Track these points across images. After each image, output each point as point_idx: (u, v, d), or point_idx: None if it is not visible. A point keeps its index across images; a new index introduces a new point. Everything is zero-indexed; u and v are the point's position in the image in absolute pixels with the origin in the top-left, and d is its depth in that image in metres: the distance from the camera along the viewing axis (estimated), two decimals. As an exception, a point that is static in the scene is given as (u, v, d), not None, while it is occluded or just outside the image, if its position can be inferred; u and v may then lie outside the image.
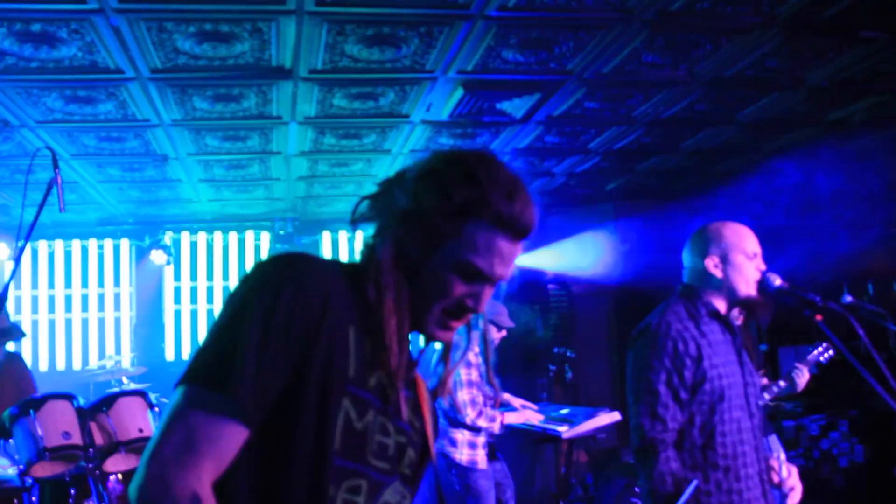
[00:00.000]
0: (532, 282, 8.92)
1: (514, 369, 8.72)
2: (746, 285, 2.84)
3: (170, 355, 8.45)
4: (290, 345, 1.30)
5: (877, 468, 7.15)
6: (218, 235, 8.55)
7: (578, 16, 3.81)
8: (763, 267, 2.92)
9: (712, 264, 2.85)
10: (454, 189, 1.41)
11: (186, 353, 8.43)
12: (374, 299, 1.40)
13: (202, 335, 8.51)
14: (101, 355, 8.09)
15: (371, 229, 1.49)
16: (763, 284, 2.92)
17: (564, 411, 6.03)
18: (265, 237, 8.55)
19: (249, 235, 8.64)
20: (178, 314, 8.58)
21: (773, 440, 5.24)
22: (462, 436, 5.38)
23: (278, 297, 1.30)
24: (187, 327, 8.58)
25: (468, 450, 5.37)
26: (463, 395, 5.36)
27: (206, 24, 3.69)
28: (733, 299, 2.89)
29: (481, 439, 5.47)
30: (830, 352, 5.18)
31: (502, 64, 4.40)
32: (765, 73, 4.77)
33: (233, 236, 8.61)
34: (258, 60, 4.15)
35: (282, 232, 8.20)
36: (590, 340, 8.94)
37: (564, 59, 4.37)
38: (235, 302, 1.33)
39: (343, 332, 1.36)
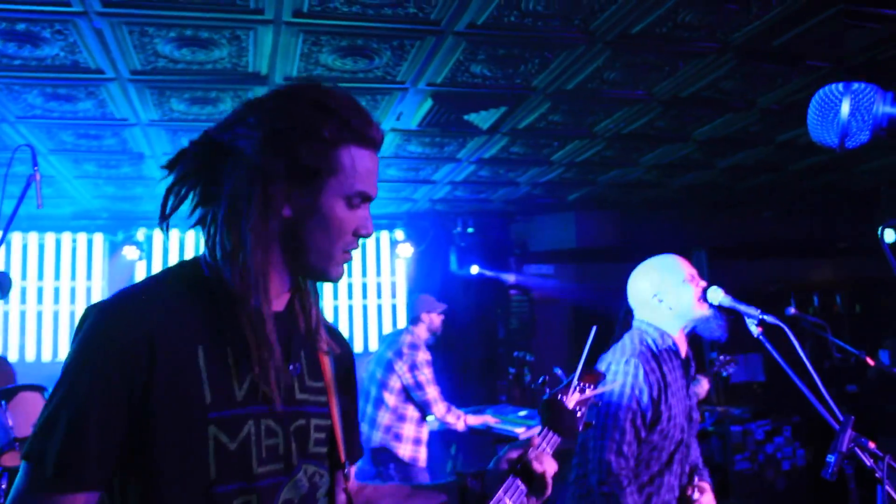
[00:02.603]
0: (494, 287, 9.12)
1: (474, 371, 8.90)
2: (696, 305, 3.03)
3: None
4: (120, 408, 1.24)
5: (817, 471, 7.46)
6: (191, 234, 8.61)
7: (544, 36, 3.99)
8: (703, 283, 3.13)
9: (657, 300, 3.05)
10: (316, 124, 1.37)
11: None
12: (241, 289, 1.33)
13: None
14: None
15: (203, 209, 1.42)
16: (705, 297, 3.15)
17: (523, 413, 6.22)
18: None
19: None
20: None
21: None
22: (409, 432, 5.57)
23: (94, 367, 1.24)
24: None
25: (412, 446, 5.57)
26: (432, 391, 5.54)
27: (186, 30, 3.81)
28: (689, 322, 3.07)
29: (425, 437, 5.66)
30: (732, 366, 5.44)
31: (470, 78, 4.57)
32: (719, 94, 5.02)
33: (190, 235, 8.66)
34: (235, 66, 4.28)
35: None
36: (549, 345, 9.15)
37: (530, 75, 4.56)
38: (62, 375, 1.27)
39: (187, 361, 1.29)
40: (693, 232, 9.11)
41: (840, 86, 1.29)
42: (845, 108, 1.27)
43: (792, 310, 4.99)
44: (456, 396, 7.30)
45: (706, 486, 3.04)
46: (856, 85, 1.27)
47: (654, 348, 2.99)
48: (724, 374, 5.69)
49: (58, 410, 1.24)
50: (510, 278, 9.39)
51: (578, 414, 1.97)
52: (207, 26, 3.75)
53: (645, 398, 2.85)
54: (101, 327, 1.28)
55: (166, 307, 1.32)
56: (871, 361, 5.18)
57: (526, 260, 9.53)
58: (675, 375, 2.99)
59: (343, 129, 1.38)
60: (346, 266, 1.47)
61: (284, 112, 1.38)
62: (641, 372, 2.89)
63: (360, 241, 1.47)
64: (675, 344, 3.04)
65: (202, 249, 1.44)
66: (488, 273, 8.83)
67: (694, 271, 3.08)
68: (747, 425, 7.70)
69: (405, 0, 3.53)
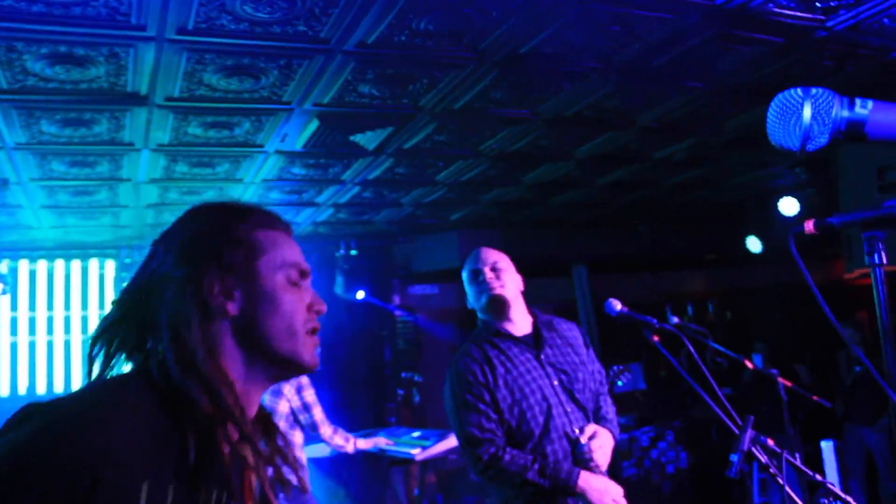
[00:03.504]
0: (379, 309, 9.05)
1: (362, 395, 8.80)
2: (480, 300, 3.28)
3: (4, 390, 7.93)
4: None
5: (698, 472, 7.80)
6: (59, 264, 8.15)
7: (434, 55, 3.99)
8: (493, 276, 3.35)
9: (468, 299, 3.39)
10: (226, 218, 1.40)
11: (24, 388, 7.95)
12: (210, 413, 1.21)
13: (41, 368, 8.04)
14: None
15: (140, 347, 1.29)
16: (606, 308, 3.24)
17: (416, 434, 6.18)
18: (110, 266, 8.23)
19: (93, 264, 8.28)
20: (14, 346, 8.06)
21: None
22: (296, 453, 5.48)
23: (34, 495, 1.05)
24: (25, 360, 8.08)
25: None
26: (317, 413, 5.46)
27: (60, 47, 3.58)
28: (489, 312, 3.27)
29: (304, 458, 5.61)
30: (626, 375, 5.62)
31: (358, 98, 4.52)
32: (601, 113, 5.15)
33: (76, 265, 8.23)
34: (113, 86, 4.06)
35: (128, 260, 7.94)
36: (437, 364, 9.15)
37: (418, 95, 4.55)
38: None
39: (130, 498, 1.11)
40: (573, 248, 9.33)
41: (800, 90, 1.32)
42: (807, 112, 1.29)
43: (676, 318, 5.19)
44: (344, 421, 7.18)
45: (595, 428, 3.09)
46: (815, 90, 1.30)
47: (486, 336, 3.20)
48: (619, 383, 5.81)
49: None
50: (394, 300, 9.36)
51: None
52: (84, 42, 3.54)
53: (478, 384, 3.03)
54: (46, 448, 1.09)
55: (119, 432, 1.13)
56: (749, 364, 5.41)
57: (410, 281, 9.52)
58: (516, 357, 3.14)
59: (252, 216, 1.43)
60: (317, 353, 1.42)
61: (191, 222, 1.41)
62: (462, 363, 3.10)
63: (319, 318, 1.43)
64: (508, 332, 3.20)
65: (150, 361, 1.26)
66: (374, 300, 8.76)
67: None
68: (632, 433, 7.92)
69: (295, 18, 3.44)
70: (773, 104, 1.35)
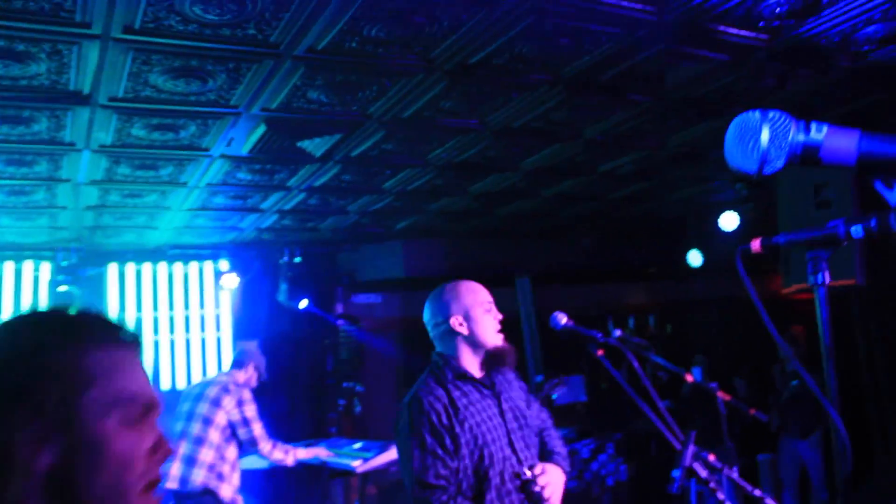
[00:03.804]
0: (321, 318, 8.97)
1: (302, 405, 8.70)
2: (491, 335, 3.11)
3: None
4: None
5: (638, 483, 7.89)
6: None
7: (384, 63, 3.97)
8: (500, 316, 3.21)
9: (457, 323, 3.09)
10: (40, 347, 1.06)
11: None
12: None
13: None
14: None
15: None
16: (551, 322, 3.23)
17: (357, 445, 6.12)
18: (45, 268, 7.99)
19: (28, 266, 8.02)
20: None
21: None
22: (228, 472, 5.42)
23: None
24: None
25: (232, 487, 5.46)
26: (256, 429, 5.38)
27: (-1, 41, 3.48)
28: (484, 350, 3.12)
29: (238, 481, 5.53)
30: (561, 388, 5.68)
31: (307, 104, 4.47)
32: (549, 125, 5.19)
33: (8, 266, 7.95)
34: (54, 84, 3.95)
35: (64, 263, 7.69)
36: (378, 374, 9.11)
37: (367, 102, 4.52)
38: None
39: None
40: (518, 259, 9.39)
41: (757, 113, 1.33)
42: (765, 135, 1.31)
43: (618, 331, 5.23)
44: (284, 431, 7.08)
45: (543, 465, 3.03)
46: (772, 113, 1.31)
47: (441, 375, 3.03)
48: (554, 396, 5.85)
49: None
50: (338, 309, 9.29)
51: None
52: (24, 38, 3.43)
53: (436, 426, 2.87)
54: None
55: None
56: (690, 378, 5.49)
57: (354, 290, 9.46)
58: (474, 397, 3.01)
59: (79, 333, 1.10)
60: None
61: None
62: (425, 402, 2.91)
63: (162, 471, 1.11)
64: (466, 371, 3.06)
65: None
66: (317, 310, 8.68)
67: (491, 298, 3.17)
68: (573, 445, 7.96)
69: (245, 21, 3.40)
70: (731, 127, 1.36)
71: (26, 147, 4.89)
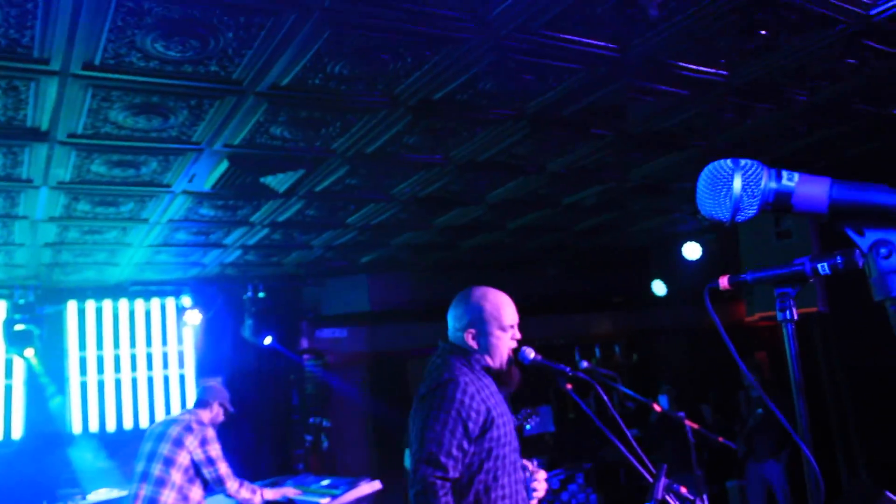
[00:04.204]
0: (285, 354, 8.88)
1: (268, 442, 8.58)
2: (500, 359, 3.13)
3: None
4: None
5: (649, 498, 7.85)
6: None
7: (348, 99, 3.97)
8: (519, 336, 3.23)
9: (470, 337, 3.10)
10: None
11: None
12: None
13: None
14: None
15: None
16: (519, 356, 3.23)
17: (325, 482, 6.03)
18: (2, 306, 7.82)
19: (-18, 305, 7.85)
20: None
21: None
22: None
23: None
24: None
25: None
26: (222, 468, 5.28)
27: (-49, 79, 3.42)
28: (489, 370, 3.15)
29: None
30: (534, 418, 5.67)
31: (270, 140, 4.44)
32: (513, 159, 5.22)
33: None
34: (10, 120, 3.87)
35: (21, 301, 7.52)
36: (345, 409, 9.02)
37: (330, 138, 4.51)
38: None
39: None
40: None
41: (729, 162, 1.34)
42: (737, 184, 1.31)
43: (585, 363, 5.24)
44: (250, 470, 6.97)
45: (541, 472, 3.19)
46: (744, 161, 1.32)
47: (468, 364, 3.10)
48: (528, 427, 5.81)
49: None
50: (303, 343, 9.21)
51: None
52: (-22, 74, 3.38)
53: (467, 407, 2.91)
54: None
55: None
56: (657, 408, 5.50)
57: (319, 324, 9.38)
58: (495, 390, 3.11)
59: None
60: None
61: None
62: (461, 381, 2.96)
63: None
64: (489, 365, 3.15)
65: None
66: (280, 348, 8.59)
67: (516, 320, 3.23)
68: (542, 477, 7.91)
69: (207, 58, 3.37)
70: (702, 176, 1.37)
71: (-19, 185, 4.80)
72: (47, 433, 7.81)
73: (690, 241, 8.07)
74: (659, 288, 8.97)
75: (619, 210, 7.16)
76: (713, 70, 4.06)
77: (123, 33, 3.12)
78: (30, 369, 7.82)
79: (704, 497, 3.86)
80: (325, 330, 9.34)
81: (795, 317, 1.55)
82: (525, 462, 3.13)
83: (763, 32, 3.64)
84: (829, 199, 1.29)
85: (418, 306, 9.02)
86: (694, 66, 3.98)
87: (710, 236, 8.13)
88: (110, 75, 3.48)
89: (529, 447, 8.99)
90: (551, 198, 6.37)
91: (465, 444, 2.87)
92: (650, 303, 9.36)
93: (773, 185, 1.31)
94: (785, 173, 1.31)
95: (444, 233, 7.30)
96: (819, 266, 1.48)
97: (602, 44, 3.59)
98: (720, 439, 5.02)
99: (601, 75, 3.95)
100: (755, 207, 1.32)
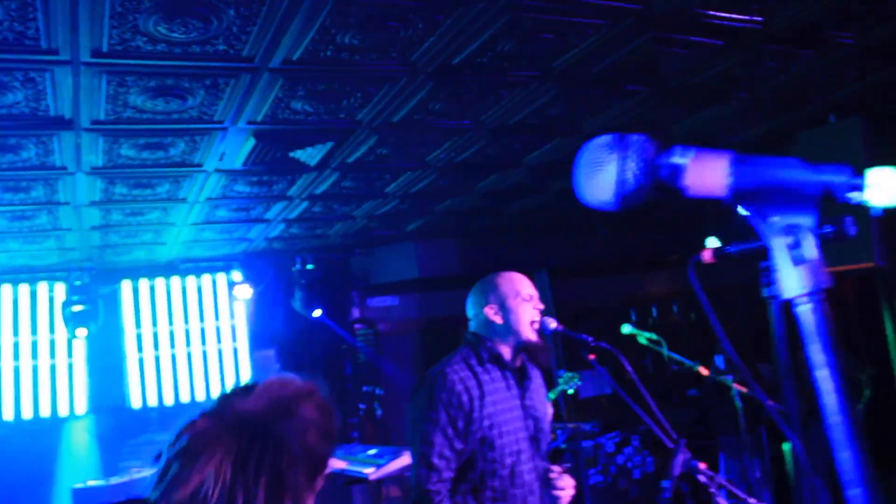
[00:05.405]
0: (340, 321, 8.92)
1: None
2: (527, 328, 3.05)
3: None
4: None
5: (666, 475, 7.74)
6: (7, 288, 7.94)
7: (364, 69, 3.88)
8: (541, 306, 3.15)
9: (492, 312, 3.06)
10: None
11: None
12: None
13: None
14: None
15: None
16: (540, 328, 3.14)
17: (372, 452, 6.05)
18: (60, 288, 8.02)
19: (42, 287, 8.08)
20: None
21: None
22: None
23: None
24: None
25: None
26: None
27: (-30, 74, 3.44)
28: (517, 343, 3.08)
29: None
30: (572, 384, 5.55)
31: (292, 114, 4.39)
32: (545, 121, 5.06)
33: (24, 289, 8.02)
34: (34, 111, 3.91)
35: (78, 283, 7.70)
36: (398, 377, 9.04)
37: (353, 109, 4.43)
38: None
39: None
40: (533, 254, 9.24)
41: (609, 138, 1.20)
42: (624, 164, 1.18)
43: (628, 327, 5.09)
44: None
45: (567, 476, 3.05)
46: (631, 137, 1.18)
47: (474, 355, 3.03)
48: (570, 390, 5.73)
49: None
50: (354, 313, 9.23)
51: None
52: (-6, 68, 3.39)
53: (454, 405, 2.86)
54: None
55: None
56: (704, 371, 5.33)
57: (369, 293, 9.39)
58: (499, 384, 3.01)
59: None
60: None
61: None
62: (448, 379, 2.90)
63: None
64: (500, 354, 3.06)
65: None
66: (330, 322, 8.62)
67: (535, 293, 3.16)
68: (598, 439, 7.84)
69: (213, 37, 3.31)
70: (580, 158, 1.22)
71: (19, 174, 4.87)
72: (109, 408, 8.03)
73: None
74: (713, 244, 8.70)
75: (666, 166, 6.92)
76: (747, 17, 3.83)
77: (125, 18, 3.09)
78: (90, 347, 8.03)
79: (755, 462, 3.72)
80: (376, 298, 9.35)
81: (783, 294, 1.41)
82: (553, 467, 3.02)
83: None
84: (732, 179, 1.14)
85: (469, 272, 8.95)
86: (725, 14, 3.76)
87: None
88: (120, 61, 3.47)
89: (585, 410, 8.89)
90: (592, 158, 6.18)
91: (458, 443, 2.84)
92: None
93: (663, 162, 1.16)
94: (678, 149, 1.16)
95: (487, 198, 7.17)
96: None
97: (622, -4, 3.41)
98: (769, 402, 4.86)
99: (625, 29, 3.76)
100: (642, 191, 1.18)
